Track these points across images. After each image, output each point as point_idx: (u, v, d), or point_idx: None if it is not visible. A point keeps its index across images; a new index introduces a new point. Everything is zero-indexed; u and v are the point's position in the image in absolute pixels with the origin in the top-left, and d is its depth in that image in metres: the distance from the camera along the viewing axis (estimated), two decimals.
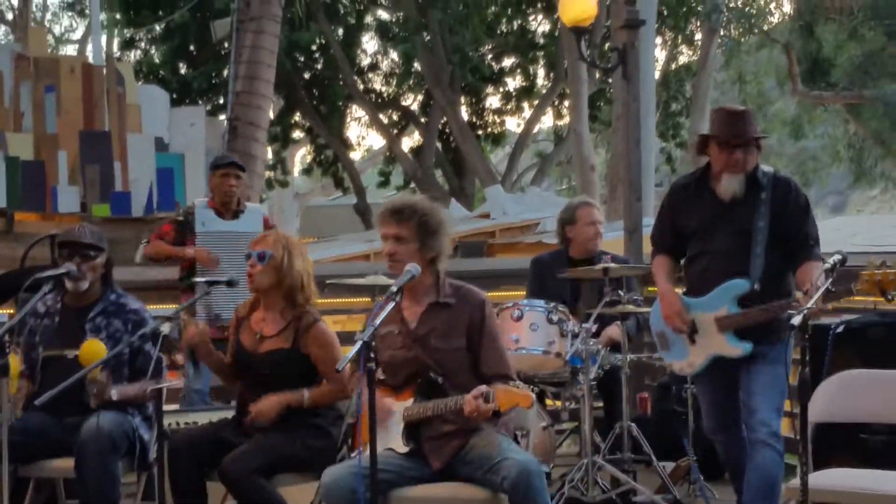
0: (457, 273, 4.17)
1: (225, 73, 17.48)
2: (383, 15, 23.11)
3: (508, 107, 24.00)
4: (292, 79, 20.48)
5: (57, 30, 31.34)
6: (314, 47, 21.46)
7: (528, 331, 5.02)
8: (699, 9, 20.41)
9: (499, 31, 22.74)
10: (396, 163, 24.15)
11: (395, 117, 24.25)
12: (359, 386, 3.69)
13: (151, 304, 5.04)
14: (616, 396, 5.37)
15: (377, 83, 23.96)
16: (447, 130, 22.88)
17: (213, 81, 20.26)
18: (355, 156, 26.57)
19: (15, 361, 4.18)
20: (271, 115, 17.28)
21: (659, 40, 21.19)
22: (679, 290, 4.44)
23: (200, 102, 19.55)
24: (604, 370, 5.27)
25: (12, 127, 12.21)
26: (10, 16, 27.61)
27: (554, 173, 29.15)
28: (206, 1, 18.47)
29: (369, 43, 24.33)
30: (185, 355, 5.20)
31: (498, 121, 24.32)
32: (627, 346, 5.23)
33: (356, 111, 24.79)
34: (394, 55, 22.93)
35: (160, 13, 19.63)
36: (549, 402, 5.69)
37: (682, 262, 4.50)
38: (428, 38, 20.51)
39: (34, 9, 28.71)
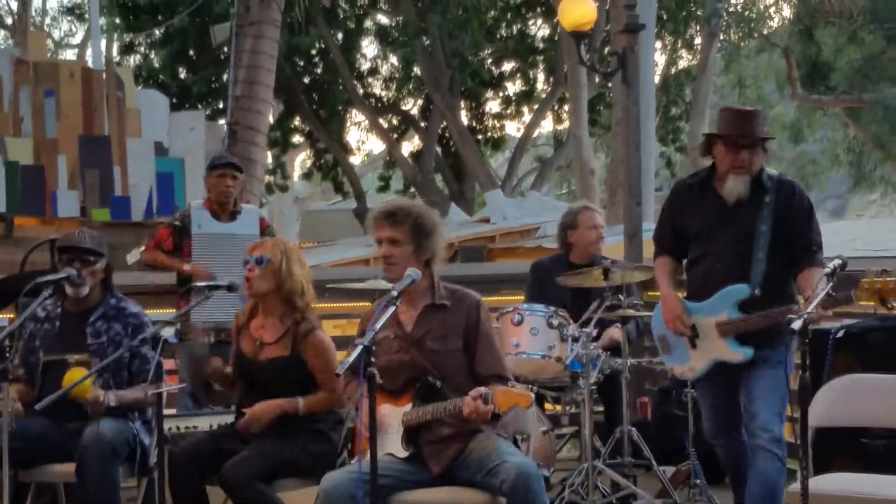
0: (457, 278, 4.17)
1: (224, 77, 17.52)
2: (383, 19, 23.14)
3: (508, 111, 24.03)
4: (292, 83, 20.48)
5: (56, 34, 31.36)
6: (314, 52, 21.47)
7: (529, 335, 5.01)
8: (699, 13, 20.42)
9: (498, 36, 22.74)
10: (396, 167, 24.12)
11: (394, 122, 24.25)
12: (355, 394, 3.69)
13: (150, 308, 5.03)
14: (616, 401, 5.37)
15: (377, 87, 24.00)
16: (447, 135, 22.86)
17: (213, 86, 20.26)
18: (355, 160, 26.56)
19: None
20: (271, 119, 17.31)
21: (659, 44, 21.22)
22: (681, 294, 4.44)
23: (200, 107, 19.52)
24: (604, 374, 5.26)
25: (12, 132, 12.24)
26: (9, 20, 27.62)
27: (554, 178, 29.16)
28: (206, 5, 18.47)
29: (369, 47, 24.43)
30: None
31: (498, 125, 24.34)
32: (628, 351, 5.23)
33: (356, 115, 24.79)
34: (393, 60, 22.94)
35: (160, 18, 19.66)
36: (549, 406, 5.69)
37: (685, 263, 4.48)
38: (427, 42, 20.51)
39: (33, 13, 28.73)
